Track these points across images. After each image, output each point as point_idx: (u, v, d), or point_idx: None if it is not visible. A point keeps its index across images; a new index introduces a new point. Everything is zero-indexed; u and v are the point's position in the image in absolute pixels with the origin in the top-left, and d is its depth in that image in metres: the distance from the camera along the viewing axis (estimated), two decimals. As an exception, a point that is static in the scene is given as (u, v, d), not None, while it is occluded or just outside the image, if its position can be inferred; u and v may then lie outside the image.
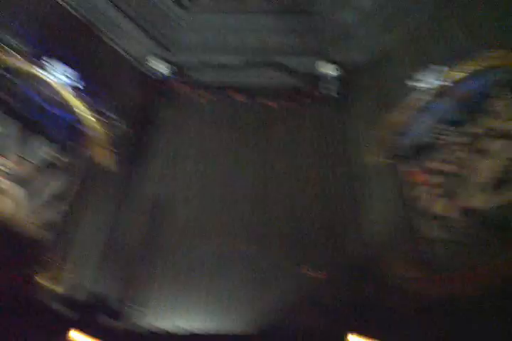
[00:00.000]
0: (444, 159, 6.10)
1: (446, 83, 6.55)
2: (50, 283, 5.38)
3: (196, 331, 5.42)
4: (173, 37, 8.51)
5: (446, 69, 6.60)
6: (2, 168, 5.73)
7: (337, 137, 7.53)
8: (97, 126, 6.89)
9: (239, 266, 6.01)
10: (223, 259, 6.08)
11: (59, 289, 5.44)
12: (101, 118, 6.95)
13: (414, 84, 6.80)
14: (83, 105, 6.90)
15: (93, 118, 6.90)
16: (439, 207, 5.82)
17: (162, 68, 8.16)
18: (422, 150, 6.44)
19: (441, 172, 6.04)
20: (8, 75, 6.38)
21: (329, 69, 7.99)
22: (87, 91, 6.95)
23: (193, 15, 8.60)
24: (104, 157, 6.79)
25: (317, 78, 8.07)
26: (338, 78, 7.95)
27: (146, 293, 5.89)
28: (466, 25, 6.76)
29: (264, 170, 7.19)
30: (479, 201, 5.42)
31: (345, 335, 4.81)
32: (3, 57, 6.37)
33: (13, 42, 6.48)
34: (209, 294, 5.82)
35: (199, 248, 6.22)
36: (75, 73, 6.93)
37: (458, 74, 6.47)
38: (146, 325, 5.56)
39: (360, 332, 4.76)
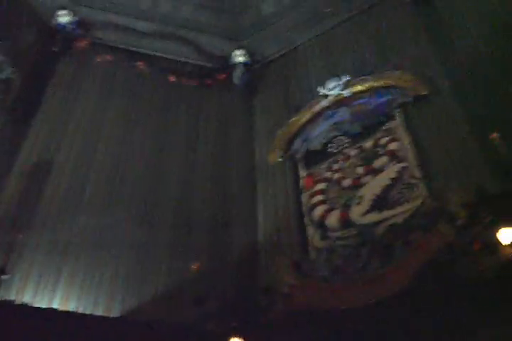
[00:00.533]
0: (332, 167, 6.27)
1: (346, 93, 6.76)
2: None
3: (56, 307, 5.03)
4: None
5: (348, 79, 6.83)
6: None
7: (239, 126, 7.50)
8: None
9: (119, 246, 5.68)
10: (103, 236, 5.73)
11: None
12: None
13: (318, 88, 6.95)
14: None
15: None
16: (319, 213, 5.95)
17: (67, 22, 7.58)
18: (314, 156, 6.57)
19: (326, 180, 6.20)
20: None
21: (239, 56, 7.95)
22: None
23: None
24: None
25: (225, 62, 8.01)
26: (246, 66, 7.92)
27: (17, 263, 5.35)
28: (376, 42, 7.12)
29: (157, 147, 6.93)
30: (357, 214, 5.61)
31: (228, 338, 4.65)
32: None
33: None
34: (81, 271, 5.43)
35: (79, 221, 5.79)
36: None
37: (358, 87, 6.71)
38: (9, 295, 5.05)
39: (242, 335, 4.64)
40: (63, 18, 7.57)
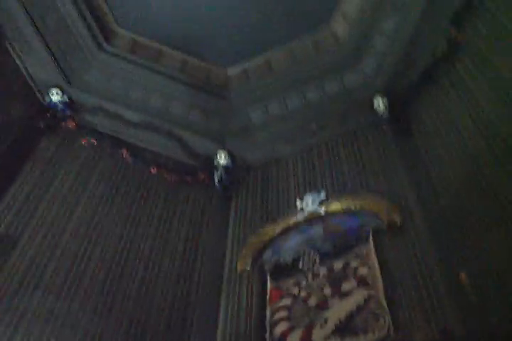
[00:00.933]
0: (300, 284, 6.18)
1: (323, 213, 6.85)
2: None
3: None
4: (80, 72, 8.13)
5: (325, 196, 7.00)
6: None
7: (212, 228, 7.52)
8: None
9: (71, 331, 5.45)
10: (58, 317, 5.51)
11: None
12: None
13: (297, 202, 7.08)
14: None
15: None
16: (281, 330, 5.80)
17: (58, 101, 7.69)
18: (283, 269, 6.51)
19: (293, 296, 6.09)
20: None
21: (222, 158, 8.13)
22: None
23: (105, 57, 8.34)
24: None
25: (208, 162, 8.17)
26: (227, 169, 8.08)
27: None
28: (356, 163, 7.42)
29: (127, 236, 6.83)
30: (319, 337, 5.45)
31: None
32: None
33: None
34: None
35: (35, 298, 5.58)
36: None
37: (334, 207, 6.83)
38: None
39: None
40: (55, 96, 7.66)
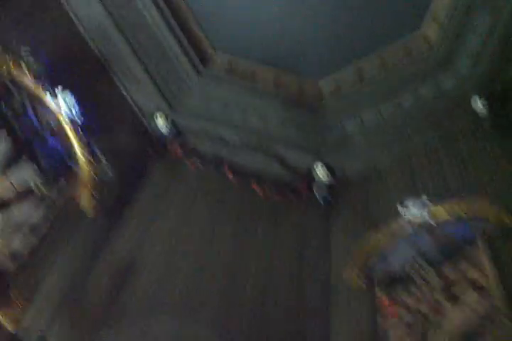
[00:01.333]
0: (411, 293, 6.18)
1: (429, 219, 6.62)
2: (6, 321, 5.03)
3: None
4: (181, 97, 8.62)
5: (430, 204, 6.72)
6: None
7: (316, 242, 7.63)
8: (86, 166, 6.68)
9: None
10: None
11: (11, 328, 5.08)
12: (91, 159, 6.75)
13: (400, 210, 6.89)
14: (78, 141, 6.71)
15: (84, 157, 6.69)
16: (395, 339, 5.82)
17: (163, 126, 8.16)
18: (398, 282, 6.47)
19: (404, 305, 6.10)
20: (13, 89, 6.27)
21: (320, 171, 8.25)
22: (85, 129, 6.80)
23: (204, 80, 8.76)
24: (84, 199, 6.57)
25: (307, 176, 8.33)
26: (327, 184, 8.20)
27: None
28: (458, 166, 7.27)
29: (238, 257, 7.10)
30: None
31: None
32: (16, 71, 6.24)
33: (30, 60, 6.39)
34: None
35: (154, 324, 5.85)
36: (79, 108, 6.65)
37: (441, 214, 6.58)
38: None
39: None
40: (160, 122, 8.16)
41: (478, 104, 7.64)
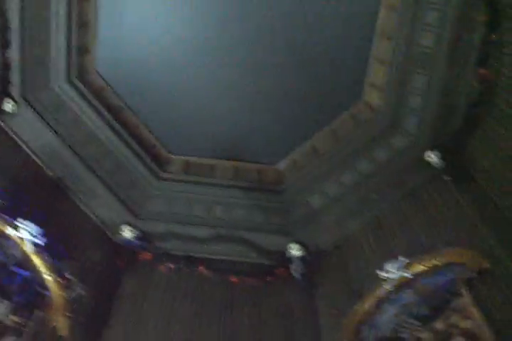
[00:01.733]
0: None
1: (407, 275, 6.64)
2: None
3: None
4: (143, 204, 8.71)
5: (406, 261, 6.76)
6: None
7: (303, 318, 7.48)
8: (55, 288, 6.60)
9: None
10: None
11: None
12: (60, 279, 6.68)
13: (377, 272, 6.88)
14: (43, 263, 6.67)
15: (53, 281, 6.62)
16: None
17: (130, 237, 8.18)
18: None
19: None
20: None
21: (294, 250, 8.21)
22: (49, 250, 6.76)
23: (165, 185, 8.91)
24: (58, 321, 6.42)
25: (282, 257, 8.24)
26: (302, 259, 8.11)
27: None
28: (425, 221, 7.29)
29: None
30: None
31: None
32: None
33: None
34: None
35: None
36: (39, 230, 6.71)
37: (418, 268, 6.61)
38: None
39: None
40: (127, 233, 8.17)
41: (433, 158, 7.83)
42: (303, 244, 8.29)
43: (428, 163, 7.87)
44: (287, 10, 8.38)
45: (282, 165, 9.37)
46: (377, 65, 8.72)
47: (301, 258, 8.11)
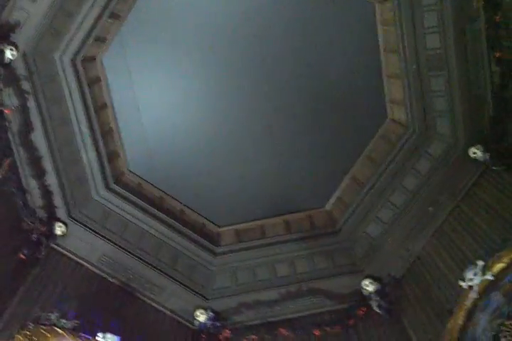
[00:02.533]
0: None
1: (489, 277, 6.18)
2: None
3: None
4: (208, 284, 8.74)
5: (483, 264, 6.30)
6: None
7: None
8: None
9: None
10: None
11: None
12: None
13: (463, 284, 6.42)
14: None
15: None
16: None
17: (202, 317, 8.16)
18: None
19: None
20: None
21: (369, 286, 7.89)
22: None
23: (221, 259, 8.95)
24: None
25: (359, 296, 7.95)
26: (380, 293, 7.77)
27: None
28: (491, 216, 6.89)
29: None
30: None
31: None
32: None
33: (59, 320, 6.58)
34: None
35: None
36: (120, 338, 6.66)
37: (498, 267, 6.16)
38: None
39: None
40: (201, 317, 8.14)
41: (477, 153, 7.52)
42: (375, 278, 7.96)
43: (474, 160, 7.57)
44: (303, 58, 8.63)
45: (329, 205, 9.23)
46: (391, 80, 8.60)
47: (379, 292, 7.74)
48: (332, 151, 9.11)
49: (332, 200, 9.19)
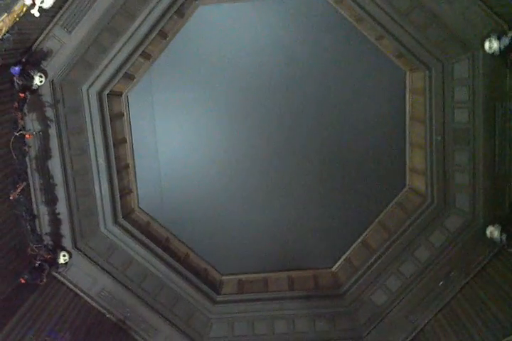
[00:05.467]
0: None
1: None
2: None
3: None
4: (204, 331, 8.55)
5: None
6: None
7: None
8: None
9: None
10: None
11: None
12: None
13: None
14: None
15: None
16: None
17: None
18: None
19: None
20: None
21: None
22: None
23: (220, 307, 8.75)
24: None
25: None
26: None
27: None
28: (502, 298, 6.68)
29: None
30: None
31: None
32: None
33: None
34: None
35: None
36: None
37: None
38: None
39: None
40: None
41: (494, 232, 7.41)
42: None
43: (490, 239, 7.48)
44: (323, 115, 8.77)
45: (337, 266, 9.08)
46: (414, 149, 8.64)
47: None
48: (346, 213, 9.09)
49: (340, 262, 9.06)
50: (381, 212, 8.95)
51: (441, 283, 7.66)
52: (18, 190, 7.06)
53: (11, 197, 6.90)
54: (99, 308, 8.11)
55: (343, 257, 9.05)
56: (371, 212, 9.02)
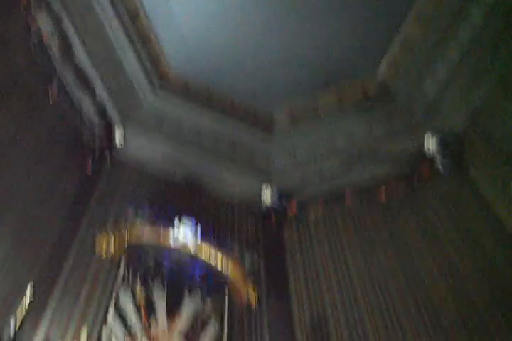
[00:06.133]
0: None
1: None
2: None
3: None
4: (268, 166, 8.89)
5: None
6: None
7: (468, 212, 6.86)
8: (232, 268, 6.84)
9: None
10: None
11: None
12: (232, 258, 6.89)
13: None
14: (213, 252, 6.90)
15: (225, 261, 6.87)
16: None
17: (268, 198, 8.33)
18: None
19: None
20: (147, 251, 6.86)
21: (430, 143, 7.59)
22: (213, 239, 7.02)
23: (277, 140, 9.03)
24: (249, 295, 6.72)
25: (419, 157, 7.74)
26: (442, 150, 7.47)
27: None
28: None
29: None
30: None
31: None
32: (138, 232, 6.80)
33: (136, 215, 6.92)
34: None
35: None
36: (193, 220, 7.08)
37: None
38: None
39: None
40: (267, 198, 8.35)
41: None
42: (437, 136, 7.58)
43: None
44: None
45: (382, 72, 8.61)
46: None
47: (442, 150, 7.41)
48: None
49: (383, 66, 8.57)
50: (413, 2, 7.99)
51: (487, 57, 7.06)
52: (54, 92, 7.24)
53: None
54: (166, 175, 8.39)
55: (385, 59, 8.51)
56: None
